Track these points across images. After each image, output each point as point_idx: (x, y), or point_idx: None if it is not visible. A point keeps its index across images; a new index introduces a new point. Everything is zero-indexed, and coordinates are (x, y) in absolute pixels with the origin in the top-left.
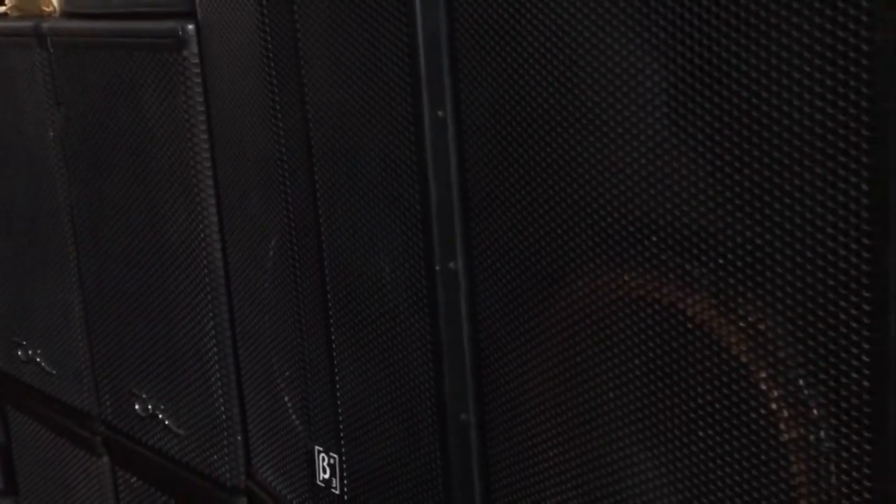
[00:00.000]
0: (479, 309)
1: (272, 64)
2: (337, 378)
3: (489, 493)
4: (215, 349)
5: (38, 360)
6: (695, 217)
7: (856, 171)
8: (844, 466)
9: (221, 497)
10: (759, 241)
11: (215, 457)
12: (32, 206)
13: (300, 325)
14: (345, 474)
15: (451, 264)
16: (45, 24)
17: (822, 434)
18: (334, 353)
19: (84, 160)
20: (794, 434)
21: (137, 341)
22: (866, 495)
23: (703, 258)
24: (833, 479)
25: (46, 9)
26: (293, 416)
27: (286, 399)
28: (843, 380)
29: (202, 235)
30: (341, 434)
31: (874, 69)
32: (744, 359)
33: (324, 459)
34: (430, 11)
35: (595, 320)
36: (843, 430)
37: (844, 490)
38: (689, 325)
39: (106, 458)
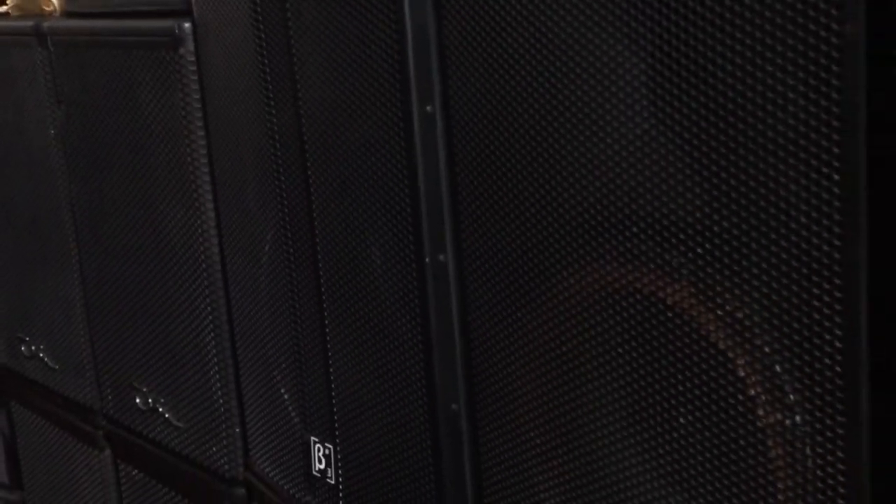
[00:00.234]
0: (468, 301)
1: (266, 61)
2: (331, 370)
3: (479, 481)
4: (214, 343)
5: (41, 355)
6: (674, 209)
7: (828, 163)
8: (819, 449)
9: (220, 488)
10: (736, 232)
11: (214, 449)
12: (34, 204)
13: (296, 318)
14: (339, 464)
15: (441, 257)
16: (46, 24)
17: (797, 419)
18: (328, 346)
19: (84, 157)
20: (771, 419)
21: (138, 336)
22: (840, 477)
23: (683, 249)
24: (809, 462)
25: (47, 8)
26: (290, 409)
27: (283, 392)
28: (817, 366)
29: (200, 231)
30: (336, 425)
31: (844, 62)
32: (722, 346)
33: (319, 450)
34: (418, 9)
35: (580, 310)
36: (818, 414)
37: (819, 472)
38: (670, 314)
39: (108, 452)
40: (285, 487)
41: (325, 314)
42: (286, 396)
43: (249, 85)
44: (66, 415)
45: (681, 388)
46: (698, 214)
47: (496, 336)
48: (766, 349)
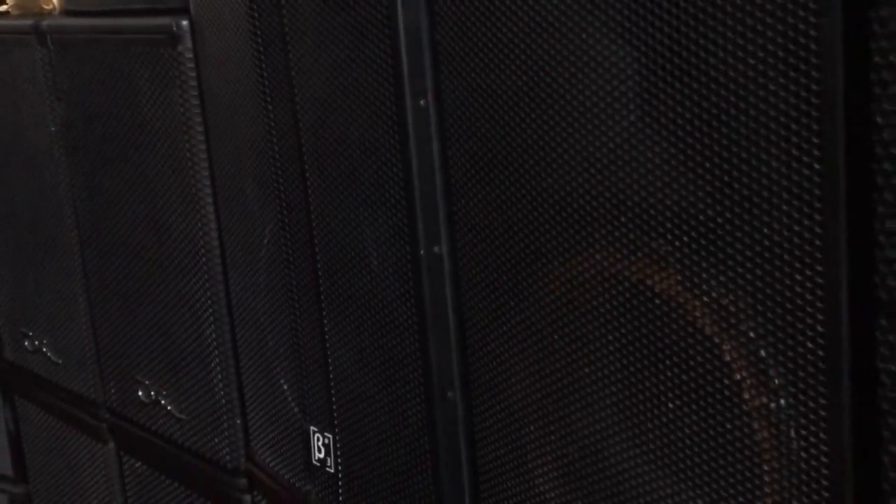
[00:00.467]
0: (462, 291)
1: (262, 58)
2: (330, 361)
3: (475, 467)
4: (214, 336)
5: (44, 350)
6: (661, 199)
7: (808, 152)
8: (803, 431)
9: (223, 479)
10: (721, 221)
11: (216, 440)
12: (35, 200)
13: (294, 311)
14: (339, 453)
15: (436, 248)
16: (45, 22)
17: (782, 401)
18: (327, 338)
19: (84, 154)
20: (756, 402)
21: (140, 330)
22: (823, 458)
23: (670, 237)
24: (793, 443)
25: (46, 7)
26: (290, 400)
27: (283, 383)
28: (800, 350)
29: (200, 225)
30: (335, 415)
31: (822, 53)
32: (709, 332)
33: (319, 439)
34: (411, 7)
35: (571, 298)
36: (801, 397)
37: (803, 453)
38: (658, 301)
39: (112, 444)
40: (286, 476)
41: (323, 307)
42: (286, 387)
43: (247, 81)
44: (69, 408)
45: (669, 374)
46: (684, 204)
47: (490, 325)
48: (751, 334)
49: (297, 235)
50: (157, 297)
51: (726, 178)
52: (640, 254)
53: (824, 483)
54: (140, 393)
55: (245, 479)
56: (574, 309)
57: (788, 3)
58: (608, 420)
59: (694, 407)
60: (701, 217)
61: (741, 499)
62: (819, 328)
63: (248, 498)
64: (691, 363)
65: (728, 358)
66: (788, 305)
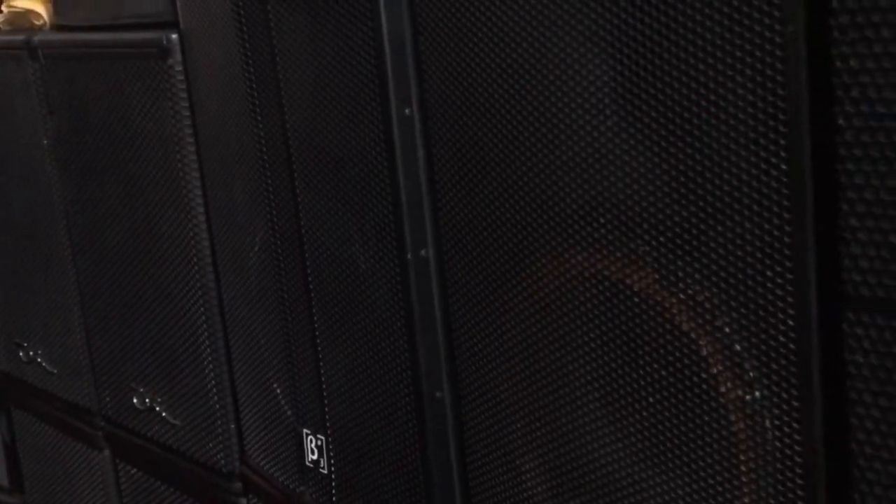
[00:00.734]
0: (449, 293)
1: (251, 69)
2: (321, 364)
3: (465, 465)
4: (207, 343)
5: (39, 360)
6: (638, 200)
7: (776, 154)
8: (777, 421)
9: (218, 483)
10: (695, 221)
11: (211, 445)
12: (29, 212)
13: (286, 316)
14: (331, 454)
15: (423, 252)
16: (37, 38)
17: (757, 394)
18: (318, 342)
19: (77, 165)
20: (732, 394)
21: (134, 338)
22: (796, 447)
23: (647, 238)
24: (768, 434)
25: (37, 22)
26: (282, 403)
27: (275, 387)
28: (773, 343)
29: (191, 234)
30: (327, 417)
31: (787, 59)
32: (686, 328)
33: (311, 441)
34: (394, 17)
35: (554, 298)
36: (775, 389)
37: (777, 442)
38: (637, 300)
39: (107, 452)
40: (280, 479)
41: (314, 311)
42: (279, 391)
43: (236, 92)
44: (65, 417)
45: (649, 369)
46: (661, 206)
47: (477, 326)
48: (727, 329)
49: (286, 242)
50: (151, 305)
51: (699, 181)
52: (619, 254)
53: (798, 470)
54: (135, 400)
55: (240, 483)
56: (557, 308)
57: (755, 12)
58: (592, 416)
59: (673, 401)
60: (676, 218)
61: (720, 487)
62: (790, 322)
63: (243, 501)
64: (670, 358)
65: (705, 353)
66: (761, 301)
